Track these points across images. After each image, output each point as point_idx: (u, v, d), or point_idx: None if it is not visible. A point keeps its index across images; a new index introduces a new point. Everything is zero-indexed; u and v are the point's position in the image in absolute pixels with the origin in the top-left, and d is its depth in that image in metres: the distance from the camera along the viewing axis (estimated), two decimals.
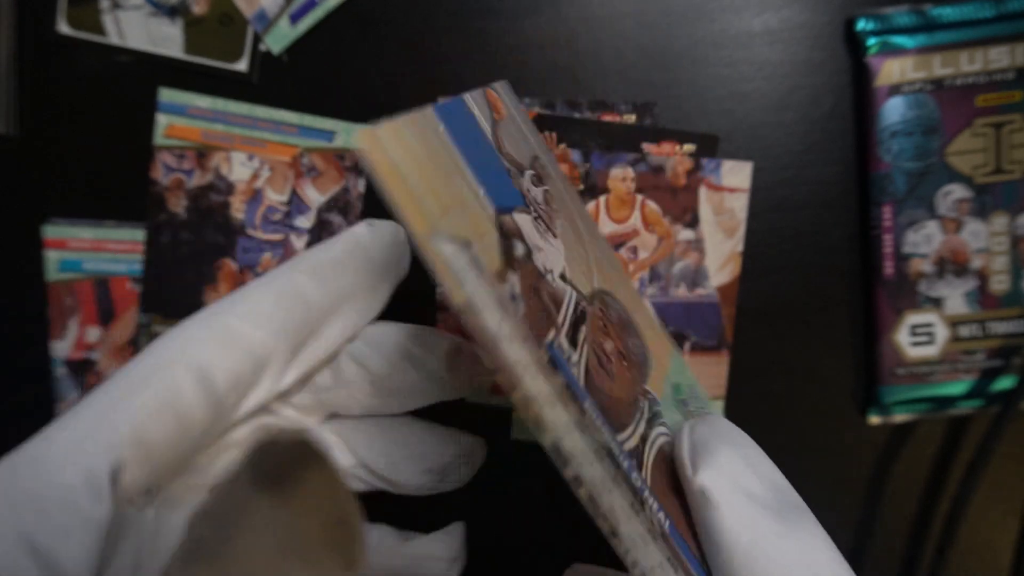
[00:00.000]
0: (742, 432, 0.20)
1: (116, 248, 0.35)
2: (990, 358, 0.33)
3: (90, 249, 0.35)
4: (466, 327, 0.15)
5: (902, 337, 0.33)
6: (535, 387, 0.14)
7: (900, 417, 0.34)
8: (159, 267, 0.35)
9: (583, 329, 0.18)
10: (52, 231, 0.35)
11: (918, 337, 0.33)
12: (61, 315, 0.35)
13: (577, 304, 0.18)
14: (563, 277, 0.18)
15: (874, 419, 0.35)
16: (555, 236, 0.19)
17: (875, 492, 0.35)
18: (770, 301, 0.35)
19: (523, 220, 0.18)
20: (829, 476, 0.35)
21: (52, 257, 0.35)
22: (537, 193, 0.19)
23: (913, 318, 0.33)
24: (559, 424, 0.14)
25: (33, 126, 0.35)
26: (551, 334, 0.16)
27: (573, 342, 0.17)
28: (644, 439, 0.18)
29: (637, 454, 0.18)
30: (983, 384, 0.33)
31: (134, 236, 0.35)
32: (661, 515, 0.17)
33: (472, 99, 0.19)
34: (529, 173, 0.20)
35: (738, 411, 0.35)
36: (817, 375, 0.35)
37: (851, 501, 0.36)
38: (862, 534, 0.36)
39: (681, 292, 0.34)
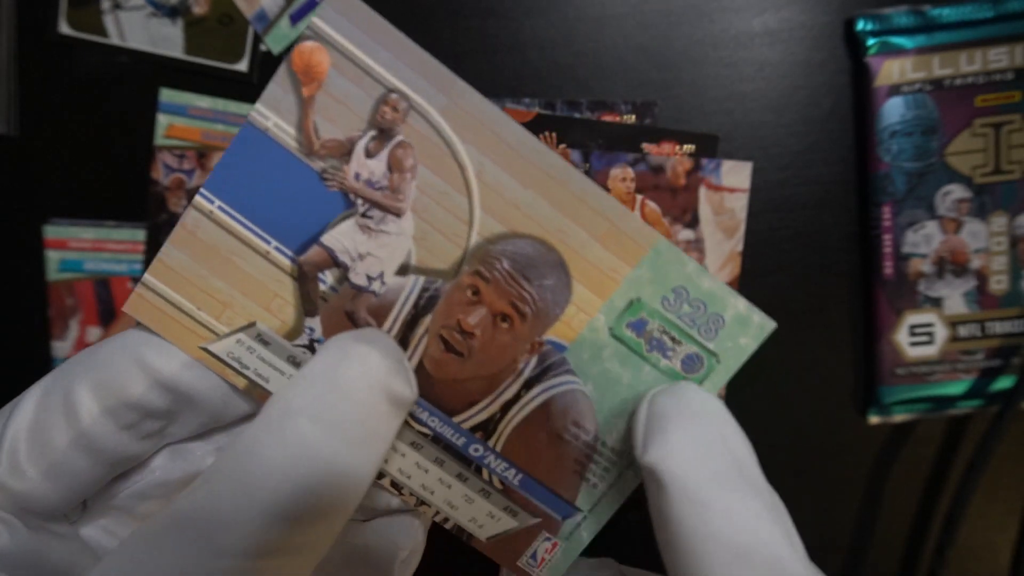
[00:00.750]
0: (712, 402, 0.19)
1: (116, 248, 0.35)
2: (989, 358, 0.33)
3: (90, 249, 0.35)
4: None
5: (902, 337, 0.33)
6: None
7: (900, 417, 0.34)
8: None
9: (423, 321, 0.19)
10: (52, 231, 0.35)
11: (918, 337, 0.33)
12: (62, 315, 0.35)
13: (422, 293, 0.19)
14: (404, 268, 0.19)
15: (874, 419, 0.35)
16: (399, 215, 0.19)
17: (875, 492, 0.35)
18: (770, 301, 0.35)
19: (340, 233, 0.19)
20: (829, 476, 0.35)
21: (52, 257, 0.35)
22: (375, 166, 0.18)
23: (913, 318, 0.33)
24: None
25: (33, 126, 0.35)
26: None
27: (404, 345, 0.19)
28: (513, 402, 0.20)
29: (490, 423, 0.20)
30: (982, 384, 0.33)
31: (134, 236, 0.35)
32: (511, 472, 0.20)
33: (264, 104, 0.18)
34: (363, 143, 0.18)
35: (738, 411, 0.35)
36: (817, 375, 0.35)
37: (851, 501, 0.36)
38: (862, 534, 0.36)
39: None
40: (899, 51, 0.32)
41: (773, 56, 0.34)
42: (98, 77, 0.35)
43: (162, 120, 0.34)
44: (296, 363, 0.19)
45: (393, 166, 0.18)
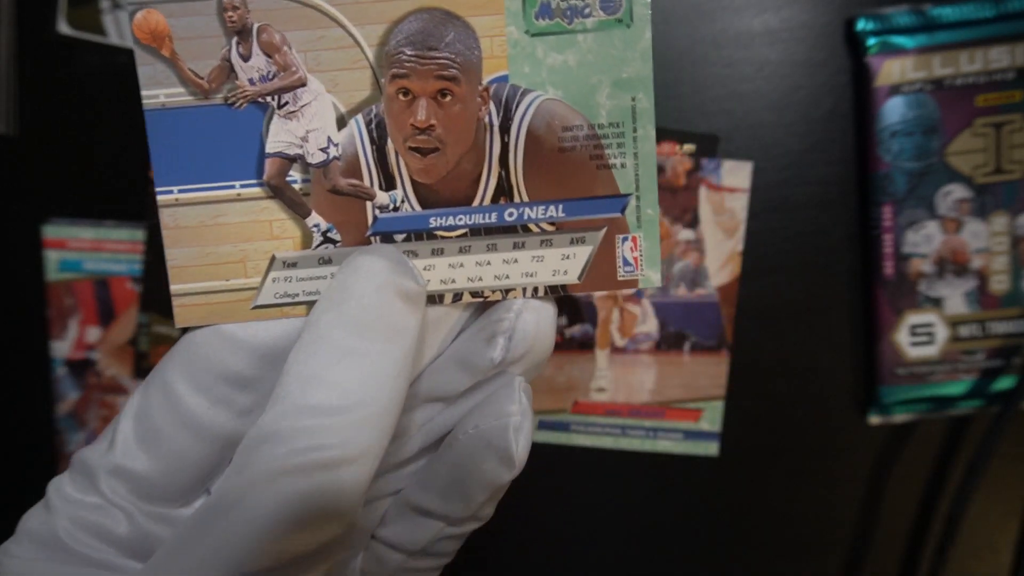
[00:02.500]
0: None
1: (116, 248, 0.35)
2: (990, 358, 0.33)
3: (90, 249, 0.35)
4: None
5: (902, 337, 0.33)
6: None
7: (900, 417, 0.34)
8: (159, 267, 0.35)
9: (389, 148, 0.20)
10: (52, 231, 0.35)
11: (918, 337, 0.33)
12: (61, 315, 0.35)
13: (368, 126, 0.20)
14: (341, 120, 0.20)
15: (874, 419, 0.35)
16: (304, 83, 0.20)
17: (875, 492, 0.35)
18: (770, 301, 0.35)
19: (274, 134, 0.20)
20: (829, 476, 0.35)
21: (52, 257, 0.35)
22: (257, 62, 0.20)
23: (913, 318, 0.33)
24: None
25: (33, 126, 0.35)
26: (368, 209, 0.20)
27: (390, 179, 0.20)
28: (504, 152, 0.20)
29: (502, 183, 0.20)
30: (983, 384, 0.33)
31: (134, 236, 0.35)
32: (551, 208, 0.20)
33: (146, 88, 0.19)
34: (234, 53, 0.19)
35: (738, 411, 0.35)
36: (817, 375, 0.35)
37: (851, 501, 0.36)
38: (862, 534, 0.36)
39: (681, 292, 0.34)
40: (899, 51, 0.32)
41: (773, 56, 0.34)
42: (98, 77, 0.34)
43: None
44: (327, 261, 0.20)
45: (268, 51, 0.20)
